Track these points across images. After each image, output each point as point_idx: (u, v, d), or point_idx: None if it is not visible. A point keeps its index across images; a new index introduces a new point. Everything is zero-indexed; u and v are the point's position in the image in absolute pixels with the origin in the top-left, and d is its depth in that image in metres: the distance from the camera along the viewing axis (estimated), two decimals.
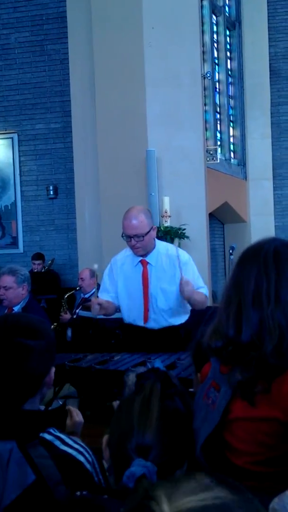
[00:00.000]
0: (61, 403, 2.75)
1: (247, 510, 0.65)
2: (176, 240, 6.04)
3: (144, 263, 3.25)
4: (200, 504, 0.64)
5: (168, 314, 3.26)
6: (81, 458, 1.38)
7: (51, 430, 1.39)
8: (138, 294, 3.25)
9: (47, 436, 1.36)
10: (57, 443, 1.38)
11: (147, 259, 3.24)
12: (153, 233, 3.21)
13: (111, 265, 3.39)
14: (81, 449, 1.40)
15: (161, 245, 3.36)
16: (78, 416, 1.70)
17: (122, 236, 3.20)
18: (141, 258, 3.24)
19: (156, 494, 0.65)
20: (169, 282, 3.22)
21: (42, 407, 1.56)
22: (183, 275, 3.18)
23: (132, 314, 3.31)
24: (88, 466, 1.38)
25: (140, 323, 3.28)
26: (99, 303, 3.19)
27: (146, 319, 3.26)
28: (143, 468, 1.09)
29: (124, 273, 3.31)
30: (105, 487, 1.21)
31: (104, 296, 3.39)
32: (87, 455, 1.39)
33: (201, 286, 3.32)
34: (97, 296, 3.28)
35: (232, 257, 5.16)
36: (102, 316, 4.42)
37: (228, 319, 1.38)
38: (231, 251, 5.17)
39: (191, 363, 2.66)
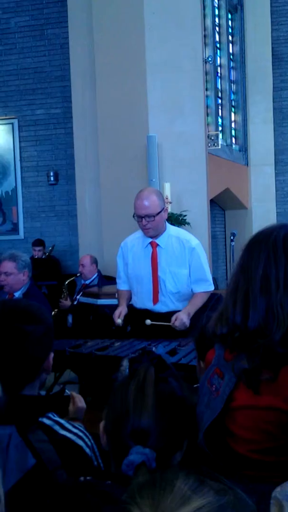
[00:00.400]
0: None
1: (235, 508, 0.65)
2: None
3: (153, 245, 3.28)
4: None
5: (176, 297, 3.29)
6: (81, 443, 1.39)
7: (50, 415, 1.40)
8: (148, 276, 3.28)
9: (46, 421, 1.37)
10: (56, 427, 1.39)
11: (157, 241, 3.27)
12: (164, 215, 3.24)
13: (121, 248, 3.43)
14: (80, 434, 1.41)
15: (172, 229, 3.39)
16: (80, 402, 1.71)
17: (134, 217, 3.24)
18: (151, 240, 3.27)
19: (139, 502, 0.66)
20: (178, 265, 3.25)
21: (43, 393, 1.57)
22: (190, 261, 3.22)
23: (141, 295, 3.34)
24: (87, 450, 1.40)
25: (149, 305, 3.31)
26: (120, 314, 3.29)
27: (155, 300, 3.29)
28: (142, 456, 1.08)
29: (134, 255, 3.35)
30: (108, 473, 1.20)
31: (123, 286, 3.47)
32: (86, 440, 1.40)
33: (201, 279, 3.30)
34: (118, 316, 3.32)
35: (233, 243, 5.16)
36: (103, 302, 4.43)
37: (235, 306, 1.37)
38: (232, 237, 5.16)
39: (194, 349, 2.68)
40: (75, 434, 1.40)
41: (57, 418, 1.41)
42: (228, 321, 1.37)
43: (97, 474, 1.20)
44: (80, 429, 1.43)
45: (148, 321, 3.20)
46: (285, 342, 1.29)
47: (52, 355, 1.49)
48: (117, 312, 3.34)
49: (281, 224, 1.44)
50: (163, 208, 3.22)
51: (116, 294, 3.58)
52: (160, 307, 3.29)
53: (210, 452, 1.35)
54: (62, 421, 1.42)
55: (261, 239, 1.40)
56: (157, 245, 3.27)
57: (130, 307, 3.45)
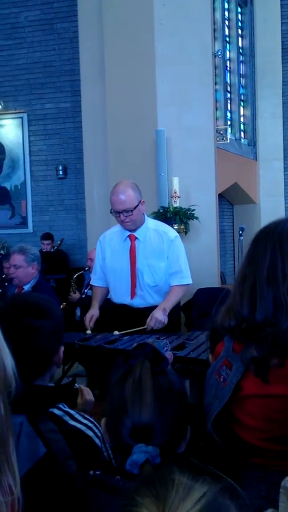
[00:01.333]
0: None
1: (231, 497, 0.67)
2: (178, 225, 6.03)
3: (132, 238, 3.25)
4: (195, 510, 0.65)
5: (154, 291, 3.26)
6: (90, 433, 1.41)
7: (61, 406, 1.42)
8: (125, 269, 3.25)
9: (56, 411, 1.39)
10: (66, 418, 1.40)
11: (136, 234, 3.24)
12: (142, 207, 3.20)
13: (100, 242, 3.40)
14: (90, 424, 1.43)
15: (150, 221, 3.35)
16: (89, 395, 1.73)
17: (111, 212, 3.20)
18: (129, 233, 3.24)
19: (144, 503, 0.67)
20: (156, 258, 3.22)
21: (52, 385, 1.59)
22: (168, 253, 3.19)
23: (118, 290, 3.31)
24: (97, 441, 1.41)
25: (127, 299, 3.28)
26: (92, 317, 3.28)
27: (133, 294, 3.26)
28: (145, 454, 1.06)
29: (112, 248, 3.32)
30: (117, 467, 1.19)
31: (97, 282, 3.44)
32: (96, 430, 1.42)
33: (177, 271, 3.25)
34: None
35: (241, 238, 5.16)
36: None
37: (242, 298, 1.38)
38: (240, 232, 5.16)
39: (202, 343, 2.68)
40: (84, 424, 1.42)
41: (67, 409, 1.43)
42: (236, 314, 1.39)
43: (107, 468, 1.20)
44: (90, 419, 1.45)
45: (116, 332, 3.14)
46: None
47: (62, 349, 1.50)
48: (88, 316, 3.31)
49: (287, 218, 1.46)
50: (140, 201, 3.17)
51: (92, 292, 3.54)
52: (139, 302, 3.26)
53: (220, 440, 1.37)
54: (72, 411, 1.44)
55: (267, 232, 1.43)
56: (136, 238, 3.25)
57: (108, 303, 3.41)
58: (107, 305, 3.43)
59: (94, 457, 1.39)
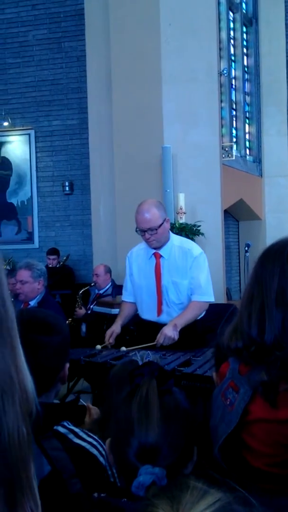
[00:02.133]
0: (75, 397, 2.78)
1: (244, 504, 0.66)
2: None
3: (157, 256, 3.27)
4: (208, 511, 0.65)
5: (179, 308, 3.26)
6: (95, 452, 1.39)
7: (65, 423, 1.41)
8: (152, 287, 3.27)
9: (61, 429, 1.38)
10: (71, 436, 1.39)
11: (160, 252, 3.26)
12: (167, 225, 3.22)
13: (128, 259, 3.43)
14: (95, 443, 1.41)
15: (175, 238, 3.37)
16: (96, 414, 1.71)
17: (136, 231, 3.22)
18: (154, 251, 3.26)
19: (159, 503, 0.67)
20: (180, 276, 3.23)
21: (57, 402, 1.58)
22: (192, 270, 3.19)
23: (146, 307, 3.33)
24: (101, 459, 1.39)
25: (154, 316, 3.29)
26: (112, 334, 3.27)
27: (159, 312, 3.28)
28: (152, 476, 1.04)
29: (138, 265, 3.35)
30: (122, 488, 1.16)
31: (127, 297, 3.46)
32: (100, 449, 1.40)
33: (197, 287, 3.21)
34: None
35: (247, 254, 5.15)
36: (117, 312, 4.45)
37: (250, 319, 1.36)
38: (246, 248, 5.16)
39: (208, 360, 2.66)
40: (89, 443, 1.41)
41: (72, 427, 1.42)
42: (243, 335, 1.36)
43: (111, 490, 1.18)
44: (94, 438, 1.43)
45: (123, 348, 3.13)
46: None
47: (67, 365, 1.49)
48: (109, 332, 3.30)
49: None
50: (165, 219, 3.20)
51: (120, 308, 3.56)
52: (166, 318, 3.26)
53: (226, 466, 1.34)
54: (76, 429, 1.43)
55: (274, 251, 1.40)
56: (161, 256, 3.26)
57: (136, 318, 3.42)
58: (133, 319, 3.44)
59: (98, 476, 1.37)
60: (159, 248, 3.25)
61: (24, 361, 0.83)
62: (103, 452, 1.40)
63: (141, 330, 3.40)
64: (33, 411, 0.82)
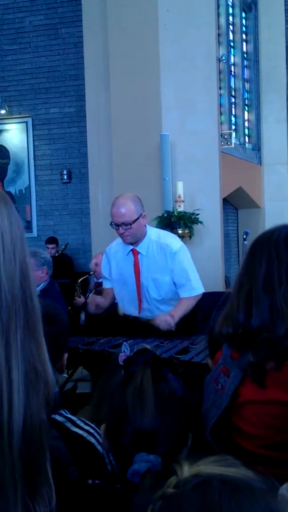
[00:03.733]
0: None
1: (268, 491, 0.65)
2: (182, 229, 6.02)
3: (135, 253, 3.19)
4: (221, 473, 0.64)
5: (160, 303, 3.22)
6: (92, 440, 1.40)
7: (63, 412, 1.41)
8: (131, 284, 3.21)
9: (58, 418, 1.38)
10: (68, 424, 1.39)
11: (138, 248, 3.17)
12: (143, 221, 3.12)
13: (106, 254, 3.37)
14: (92, 431, 1.42)
15: (153, 232, 3.26)
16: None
17: (111, 224, 3.15)
18: (132, 247, 3.18)
19: (180, 459, 0.68)
20: (160, 272, 3.16)
21: (56, 390, 1.58)
22: (172, 266, 3.13)
23: (126, 304, 3.29)
24: (99, 447, 1.40)
25: (135, 313, 3.25)
26: (97, 304, 3.28)
27: (140, 309, 3.24)
28: (147, 463, 1.04)
29: (117, 262, 3.28)
30: (118, 475, 1.16)
31: (108, 284, 3.41)
32: (98, 437, 1.40)
33: (185, 284, 3.17)
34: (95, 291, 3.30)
35: (246, 242, 5.15)
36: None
37: (238, 304, 1.39)
38: (245, 236, 5.16)
39: (206, 347, 2.67)
40: (86, 431, 1.41)
41: (69, 415, 1.43)
42: (233, 320, 1.40)
43: (107, 477, 1.18)
44: (91, 426, 1.44)
45: (120, 311, 3.15)
46: None
47: (66, 355, 1.50)
48: (91, 299, 3.34)
49: (283, 225, 1.47)
50: (141, 214, 3.10)
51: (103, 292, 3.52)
52: (146, 315, 3.23)
53: (218, 449, 1.36)
54: (74, 418, 1.43)
55: (263, 239, 1.44)
56: (138, 252, 3.18)
57: (114, 307, 3.39)
58: (111, 308, 3.42)
59: (96, 464, 1.38)
60: (135, 244, 3.17)
61: (47, 354, 0.87)
62: (101, 440, 1.41)
63: (124, 325, 3.33)
64: (51, 401, 0.87)
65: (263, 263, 1.38)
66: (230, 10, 8.12)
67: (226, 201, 7.67)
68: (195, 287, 3.21)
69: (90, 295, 5.64)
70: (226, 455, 0.69)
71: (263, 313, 1.34)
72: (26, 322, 0.81)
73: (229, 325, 1.40)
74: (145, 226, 3.20)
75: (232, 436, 1.42)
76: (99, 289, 5.46)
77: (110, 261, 3.32)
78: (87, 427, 1.42)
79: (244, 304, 1.38)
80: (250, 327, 1.35)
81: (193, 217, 6.00)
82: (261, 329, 1.34)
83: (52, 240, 7.66)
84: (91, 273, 5.99)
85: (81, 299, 5.68)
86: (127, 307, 3.29)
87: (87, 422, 1.45)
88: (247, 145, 8.70)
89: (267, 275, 1.37)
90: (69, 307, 5.50)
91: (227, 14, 7.92)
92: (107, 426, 1.18)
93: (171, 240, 3.26)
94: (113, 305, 3.48)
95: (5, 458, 0.75)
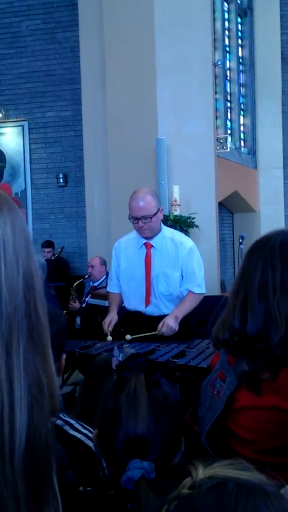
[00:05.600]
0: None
1: (281, 495, 0.65)
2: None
3: (148, 246, 3.26)
4: (236, 476, 0.65)
5: (167, 299, 3.25)
6: (90, 443, 1.40)
7: (61, 415, 1.41)
8: (140, 277, 3.25)
9: (56, 421, 1.39)
10: (66, 427, 1.40)
11: (152, 242, 3.24)
12: (160, 215, 3.21)
13: (115, 249, 3.40)
14: (90, 434, 1.42)
15: (167, 230, 3.36)
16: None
17: (129, 218, 3.20)
18: (145, 240, 3.24)
19: (195, 461, 0.68)
20: (172, 267, 3.22)
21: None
22: (183, 262, 3.19)
23: (133, 297, 3.31)
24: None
25: (141, 307, 3.28)
26: (109, 324, 3.25)
27: (147, 302, 3.26)
28: (140, 470, 1.02)
29: (127, 256, 3.32)
30: (110, 481, 1.14)
31: (113, 288, 3.44)
32: None
33: (191, 279, 3.22)
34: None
35: (242, 246, 5.16)
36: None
37: (234, 311, 1.39)
38: (240, 240, 5.17)
39: (203, 351, 2.67)
40: (84, 434, 1.41)
41: (68, 418, 1.43)
42: (229, 326, 1.40)
43: (99, 483, 1.18)
44: (89, 429, 1.44)
45: (128, 336, 3.12)
46: (284, 344, 1.31)
47: (64, 356, 1.50)
48: (107, 320, 3.29)
49: (280, 230, 1.48)
50: (159, 208, 3.19)
51: (108, 298, 3.54)
52: (152, 310, 3.26)
53: (214, 453, 1.36)
54: (72, 421, 1.43)
55: (259, 245, 1.44)
56: (152, 246, 3.24)
57: (122, 309, 3.41)
58: (120, 311, 3.44)
59: (93, 468, 1.38)
60: (150, 238, 3.23)
61: (53, 365, 0.83)
62: None
63: (128, 322, 3.37)
64: (57, 414, 0.84)
65: (259, 270, 1.38)
66: (226, 15, 8.17)
67: (221, 205, 7.69)
68: (199, 285, 3.28)
69: (86, 299, 5.66)
70: (239, 459, 0.69)
71: (258, 320, 1.34)
72: (30, 334, 0.78)
73: (226, 331, 1.40)
74: (160, 222, 3.28)
75: (227, 441, 1.42)
76: (95, 293, 5.46)
77: (119, 255, 3.36)
78: (85, 431, 1.42)
79: (240, 310, 1.38)
80: (246, 334, 1.35)
81: (188, 221, 6.01)
82: (256, 337, 1.33)
83: (48, 244, 7.66)
84: (86, 276, 6.00)
85: (76, 304, 5.71)
86: (133, 301, 3.31)
87: (85, 425, 1.45)
88: (242, 149, 8.73)
89: (262, 282, 1.37)
90: (65, 311, 5.51)
91: (223, 19, 7.97)
92: (99, 432, 1.16)
93: (185, 238, 3.39)
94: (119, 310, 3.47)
95: (6, 476, 0.73)
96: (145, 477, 1.02)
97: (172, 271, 3.22)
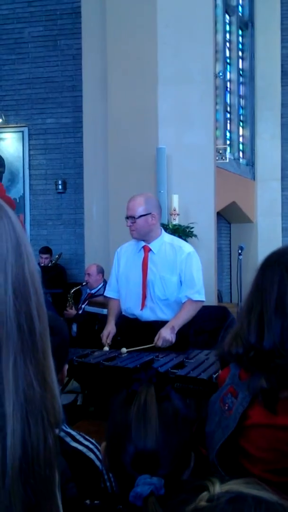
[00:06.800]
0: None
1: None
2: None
3: (146, 249, 3.28)
4: (253, 493, 0.64)
5: (164, 304, 3.24)
6: (91, 455, 1.38)
7: (62, 426, 1.39)
8: (137, 280, 3.26)
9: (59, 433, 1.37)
10: (68, 439, 1.38)
11: (150, 245, 3.26)
12: (151, 220, 3.19)
13: (117, 253, 3.45)
14: (91, 446, 1.40)
15: (167, 236, 3.38)
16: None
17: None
18: (144, 244, 3.27)
19: (212, 477, 0.68)
20: (169, 271, 3.22)
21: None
22: (181, 267, 3.19)
23: (129, 300, 3.31)
24: (98, 463, 1.38)
25: (137, 310, 3.27)
26: (108, 337, 3.26)
27: (143, 305, 3.25)
28: (150, 486, 1.00)
29: (126, 258, 3.36)
30: (118, 495, 1.12)
31: (111, 293, 3.44)
32: (97, 453, 1.39)
33: (190, 286, 3.20)
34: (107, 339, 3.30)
35: (241, 257, 5.15)
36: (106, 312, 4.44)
37: (249, 326, 1.37)
38: (240, 251, 5.16)
39: (203, 362, 2.65)
40: (86, 446, 1.40)
41: (69, 430, 1.41)
42: (243, 341, 1.37)
43: (107, 497, 1.16)
44: (91, 441, 1.42)
45: (123, 350, 3.08)
46: None
47: (66, 366, 1.48)
48: (105, 333, 3.29)
49: None
50: (150, 213, 3.17)
51: (107, 306, 3.54)
52: (148, 314, 3.25)
53: (224, 472, 1.34)
54: (73, 432, 1.42)
55: (274, 260, 1.42)
56: (150, 249, 3.26)
57: (119, 316, 3.41)
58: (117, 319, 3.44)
59: (94, 480, 1.36)
60: (147, 241, 3.25)
61: (53, 374, 0.79)
62: (100, 456, 1.39)
63: (124, 330, 3.36)
64: (59, 424, 0.79)
65: (275, 285, 1.36)
66: (227, 28, 8.23)
67: (219, 215, 7.70)
68: (199, 292, 3.25)
69: (83, 306, 5.64)
70: (253, 478, 0.69)
71: (275, 336, 1.33)
72: (23, 346, 0.73)
73: (239, 345, 1.38)
74: (160, 228, 3.31)
75: (238, 459, 1.39)
76: (92, 300, 5.44)
77: (120, 258, 3.40)
78: (86, 442, 1.40)
79: (256, 325, 1.36)
80: (262, 349, 1.33)
81: (187, 230, 6.02)
82: (273, 352, 1.32)
83: (46, 250, 7.65)
84: (83, 283, 5.98)
85: (73, 311, 5.68)
86: (129, 303, 3.31)
87: (86, 437, 1.44)
88: (241, 160, 8.77)
89: (279, 298, 1.35)
90: (61, 318, 5.49)
91: (224, 32, 8.03)
92: (107, 445, 1.14)
93: (184, 244, 3.40)
94: (105, 316, 3.47)
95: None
96: (154, 493, 0.99)
97: (170, 275, 3.22)
